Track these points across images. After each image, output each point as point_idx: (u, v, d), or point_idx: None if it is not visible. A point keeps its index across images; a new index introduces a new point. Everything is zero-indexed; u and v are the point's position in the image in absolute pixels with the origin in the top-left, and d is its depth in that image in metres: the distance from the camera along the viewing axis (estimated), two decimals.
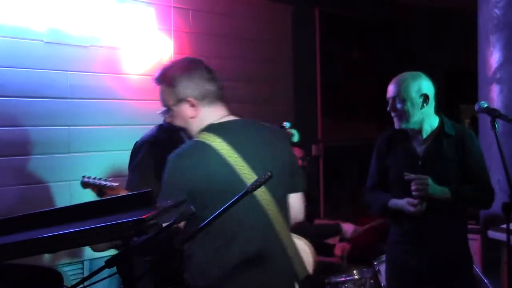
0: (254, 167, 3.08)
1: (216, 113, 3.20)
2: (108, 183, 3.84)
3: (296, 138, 4.55)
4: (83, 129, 5.10)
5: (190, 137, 3.23)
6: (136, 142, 4.19)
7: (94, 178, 3.87)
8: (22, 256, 2.62)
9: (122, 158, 4.82)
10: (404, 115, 4.13)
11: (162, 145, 4.02)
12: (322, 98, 7.33)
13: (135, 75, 5.37)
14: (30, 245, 2.57)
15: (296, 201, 3.31)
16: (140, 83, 5.38)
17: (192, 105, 3.17)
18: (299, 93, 7.08)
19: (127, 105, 5.32)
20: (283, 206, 3.19)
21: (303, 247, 3.34)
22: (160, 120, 4.06)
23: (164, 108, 3.24)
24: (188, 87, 3.15)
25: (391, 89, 4.19)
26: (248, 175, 3.05)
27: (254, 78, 6.24)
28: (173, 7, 5.67)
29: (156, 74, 3.25)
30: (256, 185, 2.72)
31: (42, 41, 4.83)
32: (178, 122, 3.25)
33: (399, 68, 4.33)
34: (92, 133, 5.14)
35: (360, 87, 7.84)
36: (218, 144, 3.10)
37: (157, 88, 3.25)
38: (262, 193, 3.08)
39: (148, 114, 4.93)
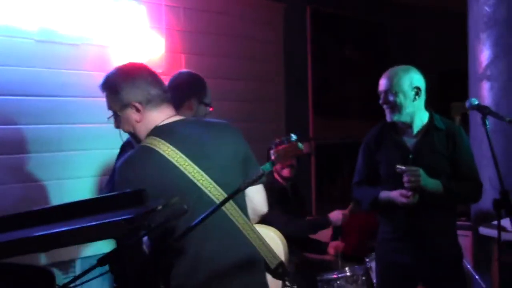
0: (201, 165, 3.09)
1: (161, 116, 3.20)
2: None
3: (301, 147, 4.58)
4: (74, 127, 5.11)
5: (138, 142, 3.24)
6: (124, 142, 4.21)
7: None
8: (14, 255, 2.63)
9: (112, 156, 4.84)
10: (396, 107, 4.19)
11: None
12: (314, 96, 7.33)
13: None
14: (23, 244, 2.58)
15: (256, 193, 3.31)
16: None
17: (137, 110, 3.18)
18: (290, 91, 7.08)
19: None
20: (240, 200, 3.17)
21: (272, 236, 3.39)
22: None
23: (111, 114, 3.27)
24: (132, 92, 3.16)
25: (383, 83, 4.26)
26: (196, 174, 3.07)
27: (245, 76, 6.22)
28: (165, 5, 5.67)
29: (101, 81, 3.26)
30: (247, 183, 2.75)
31: (34, 39, 4.82)
32: (126, 128, 3.27)
33: (391, 66, 4.34)
34: (84, 131, 5.15)
35: (352, 86, 7.85)
36: (163, 147, 3.10)
37: (103, 94, 3.27)
38: (209, 185, 3.10)
39: None
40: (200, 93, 4.26)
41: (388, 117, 4.26)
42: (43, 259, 2.86)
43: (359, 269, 5.33)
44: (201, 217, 2.68)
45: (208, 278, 3.10)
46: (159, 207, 3.01)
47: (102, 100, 5.09)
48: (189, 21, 5.87)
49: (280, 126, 6.84)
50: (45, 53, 4.91)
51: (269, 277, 3.26)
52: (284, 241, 3.39)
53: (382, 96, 4.25)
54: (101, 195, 3.41)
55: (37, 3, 4.78)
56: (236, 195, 2.75)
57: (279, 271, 3.26)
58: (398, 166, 4.08)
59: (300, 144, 4.56)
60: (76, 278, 2.74)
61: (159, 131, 3.14)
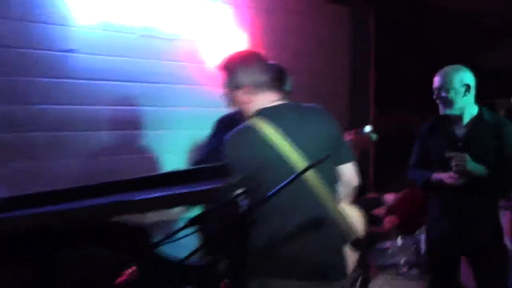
0: (298, 146, 3.11)
1: (266, 99, 3.22)
2: None
3: (374, 138, 4.59)
4: (168, 110, 5.18)
5: (244, 119, 3.26)
6: (217, 119, 4.30)
7: None
8: (119, 214, 2.73)
9: (197, 134, 5.02)
10: (448, 102, 4.20)
11: (236, 123, 4.07)
12: (376, 93, 7.28)
13: (213, 65, 5.42)
14: (126, 205, 2.68)
15: (346, 170, 3.30)
16: (216, 72, 5.43)
17: (247, 92, 3.21)
18: (354, 87, 7.06)
19: (205, 90, 5.35)
20: (327, 176, 3.19)
21: (352, 213, 3.33)
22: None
23: (225, 92, 3.31)
24: (245, 77, 3.19)
25: (437, 80, 4.26)
26: (293, 155, 3.09)
27: (315, 72, 6.23)
28: (248, 6, 5.70)
29: (221, 62, 3.33)
30: (314, 163, 2.79)
31: (137, 35, 4.93)
32: (234, 106, 3.32)
33: (445, 64, 4.36)
34: (176, 113, 5.21)
35: (409, 83, 7.77)
36: (263, 126, 3.13)
37: (220, 74, 3.32)
38: (302, 165, 3.06)
39: (221, 99, 5.03)
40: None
41: (441, 111, 4.27)
42: (143, 219, 2.93)
43: (409, 240, 5.31)
44: (279, 186, 2.67)
45: (290, 246, 3.13)
46: (238, 180, 3.09)
47: (191, 87, 5.22)
48: (269, 20, 5.88)
49: (345, 118, 6.78)
50: (146, 46, 4.98)
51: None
52: (362, 218, 3.41)
53: (436, 92, 4.26)
54: (191, 168, 3.48)
55: (140, 5, 4.89)
56: (311, 168, 2.77)
57: (356, 244, 3.28)
58: (447, 152, 4.11)
59: (373, 136, 4.58)
60: (170, 235, 2.84)
61: (263, 113, 3.17)
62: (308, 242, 3.14)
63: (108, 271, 2.65)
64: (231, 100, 3.30)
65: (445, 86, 4.18)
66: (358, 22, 6.96)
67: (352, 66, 6.98)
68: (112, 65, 4.78)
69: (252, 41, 5.68)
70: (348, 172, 3.31)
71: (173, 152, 5.19)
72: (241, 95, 3.22)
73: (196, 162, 4.22)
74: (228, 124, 4.18)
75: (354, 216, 3.32)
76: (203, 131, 4.42)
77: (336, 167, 3.27)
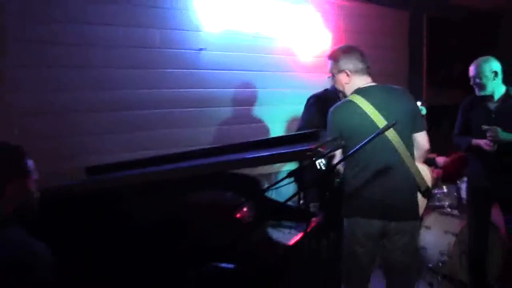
0: (384, 115, 3.06)
1: (362, 81, 3.19)
2: None
3: (424, 112, 4.44)
4: (272, 91, 5.10)
5: (345, 96, 3.25)
6: (309, 97, 4.24)
7: None
8: (235, 168, 2.71)
9: (291, 108, 4.96)
10: (481, 87, 4.07)
11: (323, 100, 4.06)
12: (427, 73, 7.01)
13: (305, 57, 5.31)
14: (239, 162, 2.63)
15: (420, 137, 3.23)
16: (308, 62, 5.32)
17: (347, 75, 3.20)
18: (411, 69, 6.82)
19: (298, 76, 5.26)
20: (407, 140, 3.15)
21: (424, 169, 3.24)
22: (327, 85, 4.07)
23: (330, 75, 3.30)
24: (346, 63, 3.19)
25: (472, 70, 4.12)
26: (381, 122, 3.03)
27: (383, 60, 5.95)
28: (331, 13, 5.54)
29: (328, 53, 3.34)
30: (384, 129, 2.73)
31: (250, 36, 4.86)
32: (338, 86, 3.29)
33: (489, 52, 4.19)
34: (277, 94, 5.12)
35: (454, 66, 7.43)
36: (360, 101, 3.11)
37: (328, 62, 3.32)
38: (390, 132, 3.06)
39: (311, 82, 4.89)
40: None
41: (477, 92, 4.12)
42: (253, 171, 2.93)
43: (452, 188, 5.16)
44: (364, 142, 2.61)
45: (375, 190, 3.11)
46: (329, 140, 3.03)
47: (288, 74, 5.13)
48: (347, 23, 5.69)
49: None
50: (257, 44, 4.92)
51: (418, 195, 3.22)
52: (431, 173, 3.32)
53: (472, 79, 4.12)
54: (291, 133, 3.44)
55: (252, 14, 4.84)
56: (377, 137, 2.64)
57: (426, 193, 3.23)
58: (483, 126, 4.00)
59: (423, 109, 4.39)
60: (273, 184, 2.78)
61: (359, 91, 3.16)
62: (389, 187, 3.10)
63: (230, 209, 2.61)
64: (335, 81, 3.29)
65: (478, 74, 4.04)
66: (414, 22, 6.69)
67: (410, 54, 6.74)
68: (232, 59, 4.74)
69: (334, 39, 5.48)
70: (421, 138, 3.24)
71: (277, 122, 5.12)
72: (343, 77, 3.21)
73: (296, 130, 4.17)
74: (317, 101, 4.14)
75: (425, 171, 3.23)
76: (298, 106, 4.34)
77: (413, 134, 3.20)
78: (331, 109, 3.22)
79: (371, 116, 3.08)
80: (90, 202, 2.78)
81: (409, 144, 3.17)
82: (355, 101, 3.13)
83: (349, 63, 3.20)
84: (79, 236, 2.62)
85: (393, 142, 3.09)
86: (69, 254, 2.47)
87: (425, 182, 3.21)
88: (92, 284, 2.46)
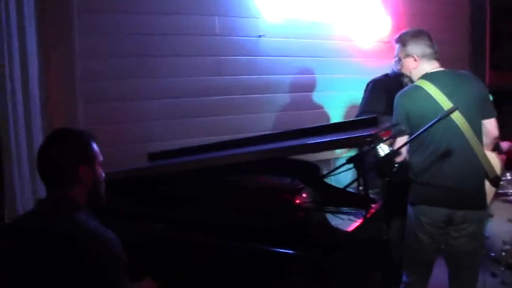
0: (453, 101, 2.99)
1: (430, 67, 3.13)
2: None
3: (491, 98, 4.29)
4: (332, 77, 5.05)
5: (411, 82, 3.20)
6: (368, 82, 4.19)
7: None
8: (297, 154, 2.71)
9: (351, 94, 4.93)
10: None
11: (383, 85, 4.03)
12: (489, 57, 6.76)
13: (364, 42, 5.22)
14: (302, 148, 2.63)
15: (489, 124, 3.14)
16: (367, 47, 5.23)
17: (415, 60, 3.15)
18: (473, 53, 6.59)
19: (357, 62, 5.18)
20: (476, 127, 3.07)
21: (492, 156, 3.17)
22: (387, 70, 4.02)
23: (396, 59, 3.26)
24: (414, 48, 3.14)
25: None
26: (448, 106, 2.94)
27: (444, 41, 5.80)
28: None
29: (395, 36, 3.29)
30: (445, 114, 2.77)
31: (308, 22, 4.81)
32: (404, 71, 3.25)
33: None
34: (336, 80, 5.07)
35: None
36: (428, 86, 3.06)
37: (394, 45, 3.29)
38: (459, 119, 3.00)
39: (371, 68, 4.81)
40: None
41: None
42: (312, 157, 2.93)
43: None
44: (428, 125, 2.74)
45: (442, 178, 3.06)
46: (388, 127, 2.99)
47: (345, 60, 5.07)
48: (407, 6, 5.54)
49: None
50: (314, 30, 4.87)
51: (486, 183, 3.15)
52: (499, 162, 3.24)
53: None
54: (351, 119, 3.42)
55: (309, 1, 4.80)
56: (439, 121, 2.72)
57: (495, 181, 3.16)
58: None
59: (490, 96, 4.26)
60: (333, 170, 2.77)
61: (427, 76, 3.11)
62: (457, 175, 3.04)
63: (289, 194, 2.61)
64: (401, 65, 3.25)
65: None
66: (476, 3, 6.45)
67: (471, 37, 6.51)
68: (291, 46, 4.73)
69: (394, 23, 5.35)
70: (490, 125, 3.14)
71: (336, 108, 5.08)
72: (411, 62, 3.17)
73: (355, 116, 4.12)
74: (376, 86, 4.09)
75: (494, 159, 3.16)
76: (357, 92, 4.31)
77: (482, 121, 3.11)
78: (398, 94, 3.17)
79: (439, 102, 3.02)
80: (152, 187, 2.85)
81: (478, 131, 3.09)
82: (422, 86, 3.08)
83: (417, 48, 3.14)
84: (140, 221, 2.69)
85: (461, 128, 3.02)
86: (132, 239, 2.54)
87: (494, 169, 3.12)
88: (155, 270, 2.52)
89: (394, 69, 3.93)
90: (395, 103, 3.16)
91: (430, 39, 3.18)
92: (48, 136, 2.01)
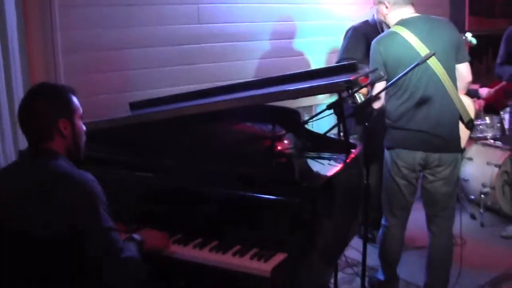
0: (428, 46, 3.00)
1: (404, 13, 3.14)
2: None
3: (474, 42, 4.27)
4: (312, 23, 5.01)
5: (388, 27, 3.22)
6: (348, 29, 4.23)
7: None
8: (276, 100, 2.71)
9: (335, 42, 4.75)
10: None
11: (362, 32, 4.07)
12: (469, 3, 6.73)
13: None
14: (281, 94, 2.63)
15: (463, 68, 3.17)
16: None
17: (386, 7, 3.16)
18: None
19: (338, 8, 5.15)
20: (450, 71, 3.10)
21: (466, 101, 3.20)
22: (368, 17, 4.12)
23: (372, 5, 3.35)
24: None
25: None
26: (424, 51, 2.97)
27: None
28: None
29: None
30: (423, 59, 2.75)
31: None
32: (379, 16, 3.29)
33: None
34: (317, 26, 5.02)
35: None
36: (404, 32, 3.07)
37: None
38: (435, 64, 3.03)
39: (352, 14, 4.76)
40: None
41: None
42: (293, 104, 2.94)
43: (496, 118, 5.04)
44: (406, 70, 2.76)
45: (417, 120, 3.11)
46: (366, 73, 2.99)
47: (325, 6, 5.04)
48: None
49: None
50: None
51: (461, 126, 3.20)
52: (474, 104, 3.28)
53: None
54: (330, 65, 3.42)
55: None
56: (427, 59, 2.77)
57: (469, 124, 3.20)
58: None
59: (473, 40, 4.24)
60: (313, 116, 2.78)
61: (402, 22, 3.12)
62: (433, 118, 3.09)
63: (270, 141, 2.63)
64: (377, 12, 3.30)
65: None
66: None
67: None
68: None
69: None
70: (464, 69, 3.17)
71: (317, 54, 5.06)
72: (383, 9, 3.18)
73: (335, 63, 4.12)
74: (356, 33, 4.09)
75: (468, 103, 3.19)
76: (338, 38, 4.33)
77: (456, 65, 3.14)
78: (375, 40, 3.18)
79: (415, 47, 3.03)
80: (134, 136, 2.84)
81: (453, 75, 3.12)
82: (398, 32, 3.09)
83: None
84: (124, 170, 2.71)
85: (437, 73, 3.05)
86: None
87: (468, 113, 3.17)
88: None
89: (374, 16, 3.94)
90: (371, 50, 3.17)
91: None
92: (28, 91, 2.06)
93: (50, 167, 1.91)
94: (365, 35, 3.99)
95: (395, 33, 3.11)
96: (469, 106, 3.20)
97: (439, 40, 3.06)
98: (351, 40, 4.10)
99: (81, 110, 2.07)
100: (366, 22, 4.16)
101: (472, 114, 3.21)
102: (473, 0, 6.74)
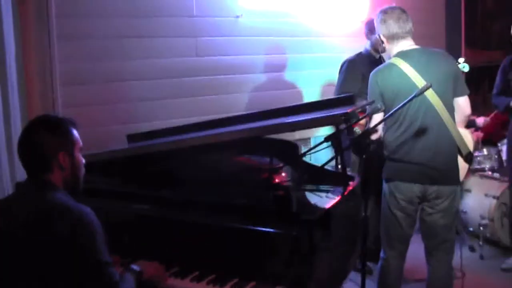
0: (425, 78, 3.02)
1: (403, 45, 3.16)
2: None
3: (466, 69, 4.31)
4: (308, 56, 5.04)
5: (389, 58, 3.24)
6: (342, 62, 4.27)
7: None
8: (274, 132, 2.73)
9: (330, 75, 4.80)
10: None
11: (356, 64, 4.12)
12: (465, 34, 6.82)
13: (339, 21, 5.24)
14: (279, 126, 2.65)
15: (462, 101, 3.17)
16: (342, 26, 5.24)
17: (384, 40, 3.21)
18: (448, 30, 6.63)
19: (333, 41, 5.20)
20: (448, 104, 3.10)
21: (465, 133, 3.20)
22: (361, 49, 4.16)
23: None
24: (382, 28, 3.18)
25: None
26: (421, 83, 2.99)
27: (419, 20, 5.80)
28: None
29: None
30: (420, 92, 2.75)
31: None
32: (380, 48, 3.43)
33: None
34: (313, 59, 5.06)
35: (493, 28, 7.20)
36: (402, 64, 3.08)
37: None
38: (432, 96, 3.04)
39: (346, 46, 4.81)
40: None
41: None
42: (291, 136, 2.97)
43: (493, 150, 5.07)
44: (402, 103, 2.75)
45: (415, 154, 3.10)
46: (363, 105, 3.02)
47: (320, 39, 5.08)
48: None
49: None
50: (293, 9, 4.88)
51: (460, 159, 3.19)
52: (472, 137, 3.28)
53: None
54: (327, 98, 3.45)
55: None
56: (425, 90, 2.77)
57: (468, 157, 3.18)
58: None
59: (465, 66, 4.29)
60: (311, 148, 2.79)
61: (401, 54, 3.14)
62: (431, 151, 3.08)
63: (268, 173, 2.64)
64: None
65: None
66: None
67: (447, 15, 6.54)
68: (268, 25, 4.73)
69: (369, 1, 5.36)
70: (463, 103, 3.17)
71: (313, 87, 5.10)
72: (381, 41, 3.22)
73: (335, 94, 4.17)
74: (350, 66, 4.14)
75: (466, 135, 3.19)
76: (333, 70, 4.41)
77: (454, 99, 3.14)
78: (373, 72, 3.20)
79: (413, 79, 3.05)
80: (132, 168, 2.85)
81: (451, 108, 3.13)
82: (396, 63, 3.11)
83: (384, 29, 3.16)
84: (121, 201, 2.70)
85: (435, 105, 3.05)
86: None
87: (466, 146, 3.16)
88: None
89: (367, 47, 4.00)
90: (369, 81, 3.19)
91: (400, 17, 3.15)
92: (29, 122, 2.07)
93: (48, 199, 1.91)
94: (359, 67, 4.05)
95: (393, 64, 3.13)
96: (468, 139, 3.20)
97: (437, 72, 3.08)
98: (347, 73, 4.15)
99: (81, 143, 2.09)
100: (359, 54, 4.23)
101: (470, 147, 3.20)
102: (469, 32, 6.84)
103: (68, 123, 2.06)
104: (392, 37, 3.15)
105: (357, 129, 3.75)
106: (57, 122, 2.05)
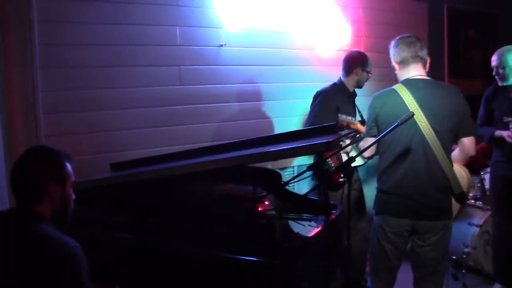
0: (423, 108, 3.04)
1: (411, 72, 3.19)
2: (350, 118, 3.93)
3: None
4: (293, 85, 5.10)
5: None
6: (317, 92, 4.32)
7: (346, 117, 3.93)
8: (256, 162, 2.76)
9: (302, 102, 4.89)
10: (504, 77, 4.04)
11: (331, 96, 4.17)
12: (449, 64, 6.96)
13: (325, 50, 5.31)
14: (260, 155, 2.69)
15: (467, 142, 3.15)
16: (327, 56, 5.32)
17: (396, 67, 3.26)
18: (432, 60, 6.73)
19: (318, 70, 5.26)
20: (445, 141, 3.08)
21: (460, 172, 3.20)
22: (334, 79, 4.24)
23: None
24: (395, 55, 3.23)
25: (494, 59, 4.10)
26: (418, 115, 3.02)
27: None
28: (350, 6, 5.52)
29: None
30: (402, 121, 2.80)
31: (268, 31, 4.88)
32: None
33: (501, 44, 4.18)
34: (297, 88, 5.12)
35: (474, 56, 7.36)
36: (402, 90, 3.10)
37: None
38: (427, 130, 3.03)
39: (332, 76, 4.88)
40: (363, 64, 4.21)
41: (499, 83, 4.11)
42: (273, 165, 2.97)
43: (476, 179, 5.11)
44: (387, 130, 2.81)
45: (405, 189, 3.10)
46: (345, 135, 3.06)
47: (305, 68, 5.16)
48: (366, 15, 5.68)
49: None
50: (275, 39, 4.95)
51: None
52: (470, 177, 3.30)
53: (494, 70, 4.10)
54: (310, 127, 3.47)
55: (270, 10, 4.85)
56: (405, 121, 2.81)
57: (459, 197, 3.16)
58: (505, 117, 4.00)
59: None
60: (294, 177, 2.83)
61: (405, 81, 3.17)
62: (420, 187, 3.06)
63: (251, 202, 2.67)
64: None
65: (501, 64, 4.01)
66: (435, 13, 6.62)
67: (430, 45, 6.64)
68: (251, 54, 4.78)
69: (354, 31, 5.50)
70: (468, 143, 3.16)
71: (297, 116, 5.13)
72: (397, 70, 3.24)
73: (309, 124, 4.18)
74: (326, 97, 4.18)
75: (462, 174, 3.19)
76: (308, 100, 4.45)
77: (460, 138, 3.14)
78: (375, 94, 3.24)
79: (408, 106, 3.05)
80: (114, 197, 2.87)
81: (448, 146, 3.10)
82: (397, 90, 3.12)
83: (397, 55, 3.22)
84: (103, 230, 2.72)
85: (430, 142, 3.04)
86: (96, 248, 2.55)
87: (459, 185, 3.13)
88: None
89: (341, 78, 4.06)
90: (370, 103, 3.23)
91: (414, 42, 3.20)
92: (25, 152, 2.08)
93: (34, 230, 1.92)
94: (334, 98, 4.09)
95: (394, 91, 3.14)
96: (463, 178, 3.20)
97: (439, 107, 3.06)
98: (322, 105, 4.13)
99: (73, 178, 2.10)
100: (334, 84, 4.30)
101: (464, 186, 3.19)
102: (452, 62, 6.99)
103: (64, 156, 2.08)
104: (403, 62, 3.19)
105: (330, 161, 3.73)
106: (52, 153, 2.07)
